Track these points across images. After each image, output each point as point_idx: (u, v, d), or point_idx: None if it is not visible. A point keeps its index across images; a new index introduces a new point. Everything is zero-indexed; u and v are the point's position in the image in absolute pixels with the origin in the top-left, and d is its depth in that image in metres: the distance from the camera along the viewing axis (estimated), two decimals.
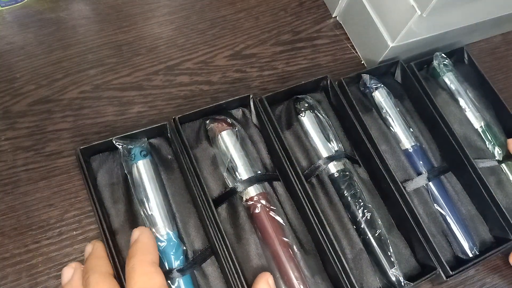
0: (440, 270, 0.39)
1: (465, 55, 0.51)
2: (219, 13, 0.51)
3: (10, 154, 0.40)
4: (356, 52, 0.52)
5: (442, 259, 0.39)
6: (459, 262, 0.42)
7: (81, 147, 0.37)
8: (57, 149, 0.41)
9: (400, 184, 0.41)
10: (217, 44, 0.49)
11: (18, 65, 0.44)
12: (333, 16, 0.53)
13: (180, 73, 0.47)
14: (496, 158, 0.46)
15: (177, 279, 0.35)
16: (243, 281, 0.34)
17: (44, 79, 0.44)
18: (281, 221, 0.38)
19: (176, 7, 0.50)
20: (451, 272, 0.39)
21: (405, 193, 0.41)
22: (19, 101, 0.42)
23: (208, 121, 0.41)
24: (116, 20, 0.48)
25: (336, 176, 0.41)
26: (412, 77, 0.47)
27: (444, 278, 0.39)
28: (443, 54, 0.49)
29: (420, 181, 0.43)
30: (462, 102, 0.48)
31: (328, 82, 0.44)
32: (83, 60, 0.45)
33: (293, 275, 0.36)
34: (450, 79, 0.49)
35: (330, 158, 0.41)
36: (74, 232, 0.38)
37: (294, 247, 0.37)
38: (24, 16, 0.47)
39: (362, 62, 0.51)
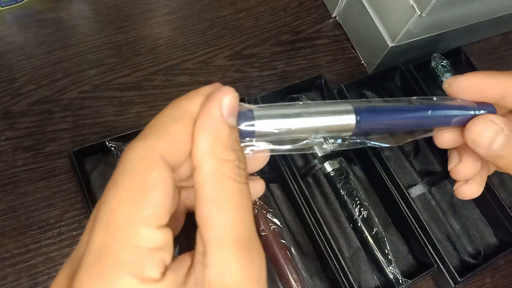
0: (446, 273, 0.39)
1: (462, 55, 0.51)
2: (219, 13, 0.51)
3: (10, 154, 0.40)
4: (356, 52, 0.52)
5: (450, 265, 0.39)
6: (464, 266, 0.42)
7: (74, 149, 0.37)
8: (57, 149, 0.41)
9: (404, 190, 0.41)
10: (217, 44, 0.49)
11: (18, 65, 0.44)
12: (333, 16, 0.53)
13: (180, 73, 0.47)
14: None
15: None
16: None
17: (44, 79, 0.44)
18: (278, 223, 0.38)
19: (176, 7, 0.50)
20: (460, 279, 0.38)
21: (409, 199, 0.41)
22: (19, 101, 0.43)
23: None
24: (116, 20, 0.48)
25: (332, 174, 0.41)
26: (411, 81, 0.47)
27: (453, 285, 0.39)
28: (440, 55, 0.49)
29: (421, 188, 0.43)
30: None
31: (323, 81, 0.44)
32: (83, 60, 0.46)
33: (291, 277, 0.36)
34: None
35: (326, 157, 0.41)
36: (74, 232, 0.38)
37: (292, 249, 0.38)
38: (24, 16, 0.47)
39: (362, 62, 0.51)
